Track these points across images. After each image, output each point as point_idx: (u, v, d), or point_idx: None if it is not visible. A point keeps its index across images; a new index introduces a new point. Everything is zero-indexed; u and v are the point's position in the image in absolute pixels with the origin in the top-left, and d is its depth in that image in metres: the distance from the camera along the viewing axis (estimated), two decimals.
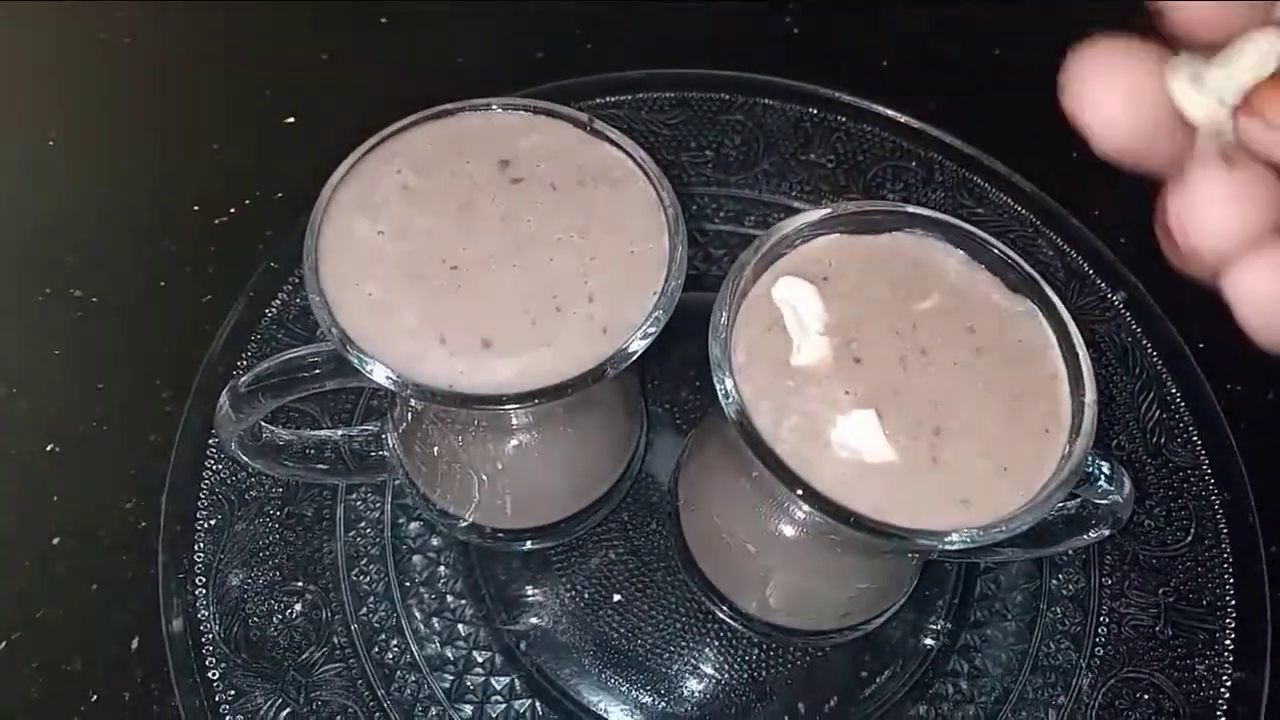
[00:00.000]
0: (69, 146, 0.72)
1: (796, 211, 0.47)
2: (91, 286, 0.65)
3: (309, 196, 0.44)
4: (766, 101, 0.72)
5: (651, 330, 0.41)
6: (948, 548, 0.38)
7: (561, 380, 0.39)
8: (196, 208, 0.68)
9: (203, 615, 0.52)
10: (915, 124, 0.72)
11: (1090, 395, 0.40)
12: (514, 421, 0.45)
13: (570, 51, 0.78)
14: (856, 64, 0.79)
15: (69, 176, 0.71)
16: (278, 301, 0.62)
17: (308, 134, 0.73)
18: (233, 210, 0.68)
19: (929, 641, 0.56)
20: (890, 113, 0.72)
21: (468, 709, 0.52)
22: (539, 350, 0.40)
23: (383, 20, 0.79)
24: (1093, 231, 0.68)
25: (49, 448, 0.60)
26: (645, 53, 0.76)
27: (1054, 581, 0.57)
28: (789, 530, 0.44)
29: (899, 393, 0.41)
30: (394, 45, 0.79)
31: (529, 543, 0.55)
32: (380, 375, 0.39)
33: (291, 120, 0.73)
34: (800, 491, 0.38)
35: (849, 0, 0.84)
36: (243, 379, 0.44)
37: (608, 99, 0.71)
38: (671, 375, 0.63)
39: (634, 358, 0.41)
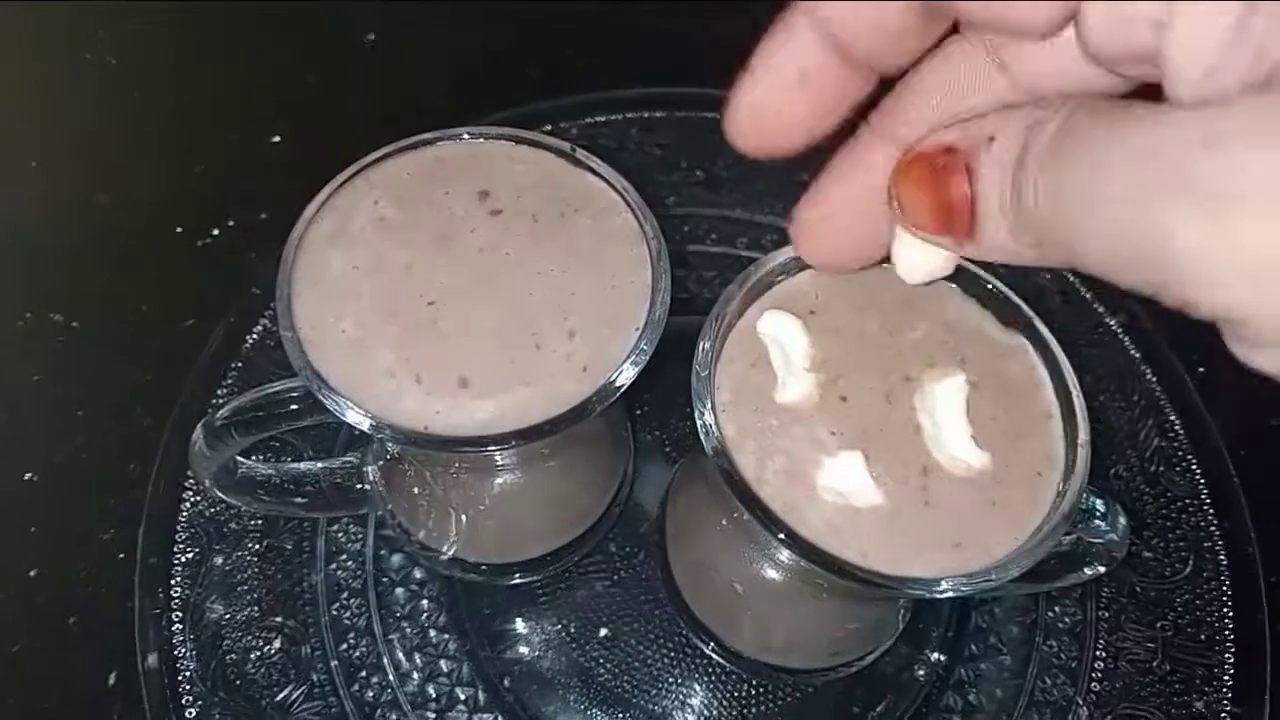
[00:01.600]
0: (50, 168, 0.71)
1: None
2: (72, 310, 0.64)
3: (294, 218, 0.43)
4: None
5: (635, 366, 0.40)
6: (937, 596, 0.37)
7: (541, 420, 0.38)
8: (179, 229, 0.67)
9: (180, 652, 0.51)
10: None
11: (1084, 436, 0.39)
12: (495, 460, 0.44)
13: (562, 70, 0.77)
14: None
15: (49, 199, 0.70)
16: (259, 328, 0.61)
17: (293, 154, 0.72)
18: (215, 232, 0.67)
19: (920, 677, 0.55)
20: None
21: None
22: (518, 389, 0.39)
23: (370, 37, 0.78)
24: None
25: (27, 476, 0.59)
26: (638, 70, 0.75)
27: (1050, 614, 0.56)
28: (775, 573, 0.43)
29: (885, 430, 0.40)
30: (382, 65, 0.78)
31: (515, 577, 0.54)
32: (354, 418, 0.38)
33: (277, 140, 0.72)
34: (784, 537, 0.37)
35: None
36: (218, 414, 0.43)
37: (598, 118, 0.71)
38: (660, 401, 0.62)
39: (617, 395, 0.40)
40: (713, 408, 0.39)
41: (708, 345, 0.40)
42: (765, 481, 0.38)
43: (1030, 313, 0.42)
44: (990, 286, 0.42)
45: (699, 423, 0.39)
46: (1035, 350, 0.42)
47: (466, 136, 0.45)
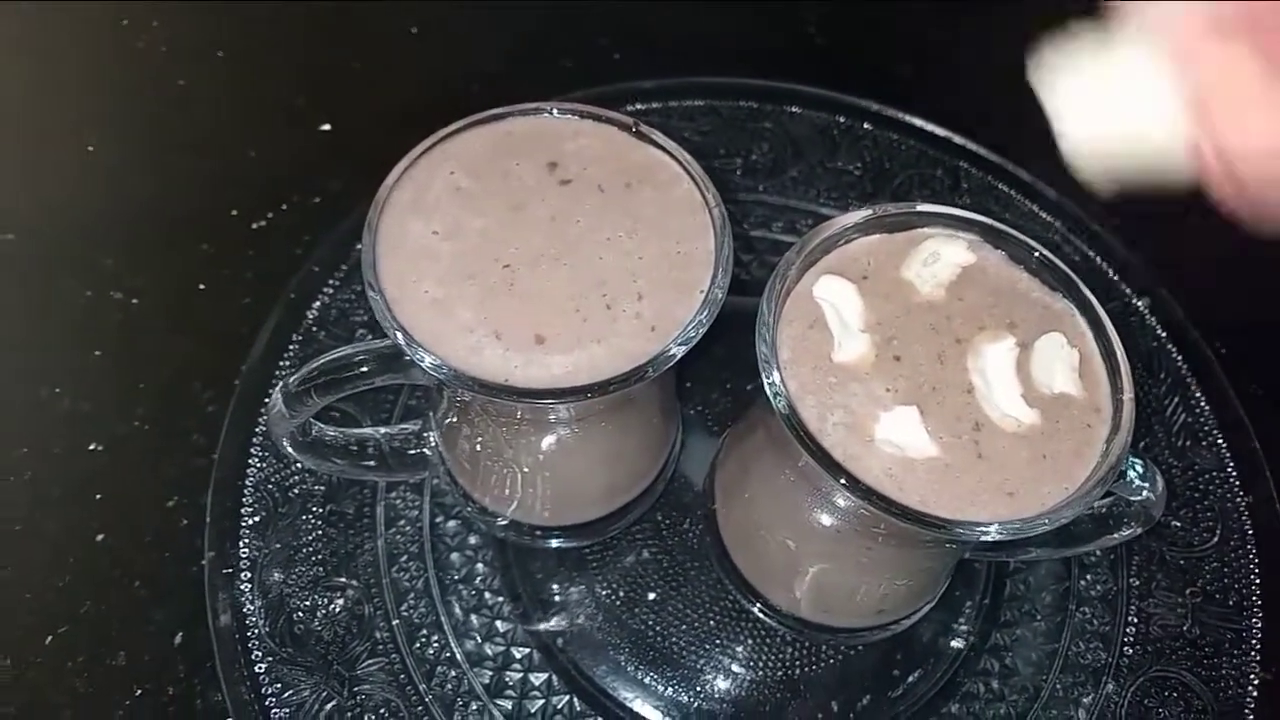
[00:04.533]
0: (109, 155, 0.73)
1: (825, 217, 0.48)
2: (132, 289, 0.66)
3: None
4: (794, 110, 0.74)
5: (699, 327, 0.42)
6: (984, 539, 0.39)
7: (613, 375, 0.40)
8: (234, 213, 0.70)
9: (248, 610, 0.53)
10: (940, 132, 0.73)
11: (1128, 391, 0.41)
12: (560, 417, 0.46)
13: (599, 60, 0.79)
14: (882, 73, 0.80)
15: (109, 183, 0.72)
16: (318, 304, 0.63)
17: (342, 141, 0.74)
18: (270, 215, 0.70)
19: (957, 643, 0.56)
20: (916, 121, 0.73)
21: (507, 704, 0.53)
22: (590, 346, 0.41)
23: (413, 30, 0.81)
24: (1117, 238, 0.69)
25: (92, 447, 0.61)
26: (672, 62, 0.77)
27: (1082, 582, 0.58)
28: (829, 524, 0.45)
29: (938, 389, 0.42)
30: (424, 55, 0.80)
31: (568, 541, 0.56)
32: (439, 371, 0.40)
33: (327, 128, 0.74)
34: (847, 483, 0.39)
35: (874, 10, 0.85)
36: (294, 378, 0.45)
37: (638, 106, 0.73)
38: (703, 378, 0.64)
39: (683, 352, 0.42)
40: (777, 364, 0.41)
41: (769, 308, 0.42)
42: (825, 433, 0.40)
43: (1075, 277, 0.44)
44: (1037, 254, 0.45)
45: (765, 381, 0.41)
46: (1080, 313, 0.44)
47: (537, 111, 0.47)
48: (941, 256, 0.45)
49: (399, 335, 0.40)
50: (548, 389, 0.40)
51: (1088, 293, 0.44)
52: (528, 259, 0.43)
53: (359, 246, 0.42)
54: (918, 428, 0.41)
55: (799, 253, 0.44)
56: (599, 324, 0.42)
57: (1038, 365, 0.43)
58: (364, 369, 0.45)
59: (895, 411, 0.41)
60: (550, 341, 0.41)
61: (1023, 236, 0.45)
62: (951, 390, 0.42)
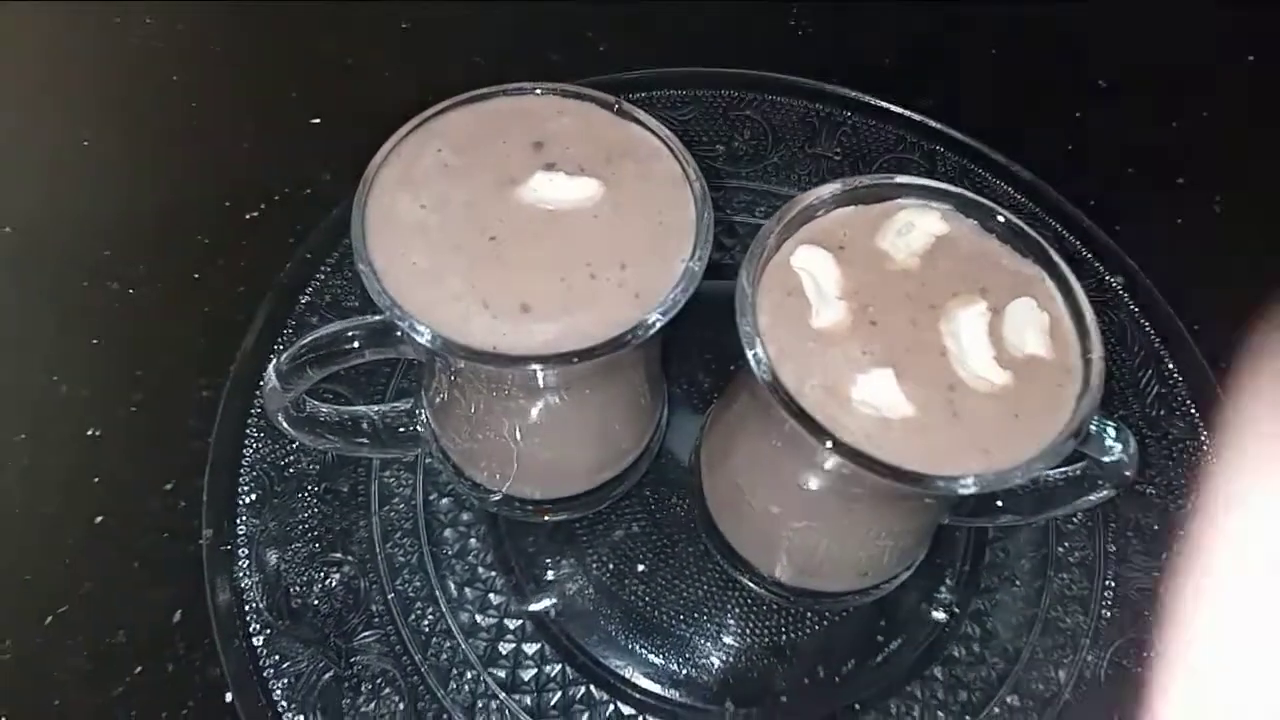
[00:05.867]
0: (103, 147, 0.75)
1: None
2: (127, 279, 0.68)
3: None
4: (775, 98, 0.76)
5: (682, 294, 0.43)
6: (961, 492, 0.40)
7: (598, 341, 0.42)
8: (227, 203, 0.71)
9: (246, 585, 0.54)
10: (917, 118, 0.75)
11: (1098, 351, 0.43)
12: (548, 384, 0.47)
13: (584, 53, 0.81)
14: (861, 62, 0.82)
15: (103, 175, 0.74)
16: (310, 289, 0.64)
17: (332, 134, 0.76)
18: (262, 206, 0.71)
19: (939, 609, 0.58)
20: (894, 107, 0.75)
21: (501, 673, 0.54)
22: (576, 313, 0.42)
23: (404, 25, 0.82)
24: (1091, 219, 0.71)
25: (90, 432, 0.62)
26: (656, 54, 0.79)
27: (1060, 549, 0.60)
28: (811, 487, 0.46)
29: (912, 351, 0.43)
30: (414, 50, 0.82)
31: (559, 514, 0.57)
32: (428, 339, 0.41)
33: (317, 121, 0.76)
34: (830, 444, 0.40)
35: (855, 2, 0.87)
36: (286, 353, 0.47)
37: (622, 96, 0.74)
38: (688, 357, 0.65)
39: (665, 320, 0.43)
40: (757, 330, 0.42)
41: (748, 274, 0.44)
42: (804, 395, 0.42)
43: (1044, 243, 0.45)
44: (1007, 222, 0.46)
45: (745, 347, 0.42)
46: (1050, 278, 0.45)
47: (521, 91, 0.48)
48: (915, 226, 0.47)
49: (389, 305, 0.42)
50: (535, 354, 0.41)
51: (1057, 258, 0.45)
52: (513, 231, 0.44)
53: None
54: (894, 389, 0.42)
55: (778, 222, 0.45)
56: (583, 293, 0.43)
57: (1010, 328, 0.44)
58: (354, 343, 0.46)
59: (872, 374, 0.42)
60: (536, 309, 0.42)
61: (994, 205, 0.46)
62: (926, 353, 0.43)
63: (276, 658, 0.52)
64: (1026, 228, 0.46)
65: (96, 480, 0.61)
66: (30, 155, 0.75)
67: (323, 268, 0.65)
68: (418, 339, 0.41)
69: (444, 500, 0.59)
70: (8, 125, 0.76)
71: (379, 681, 0.53)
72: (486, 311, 0.42)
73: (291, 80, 0.78)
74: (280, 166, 0.73)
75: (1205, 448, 0.62)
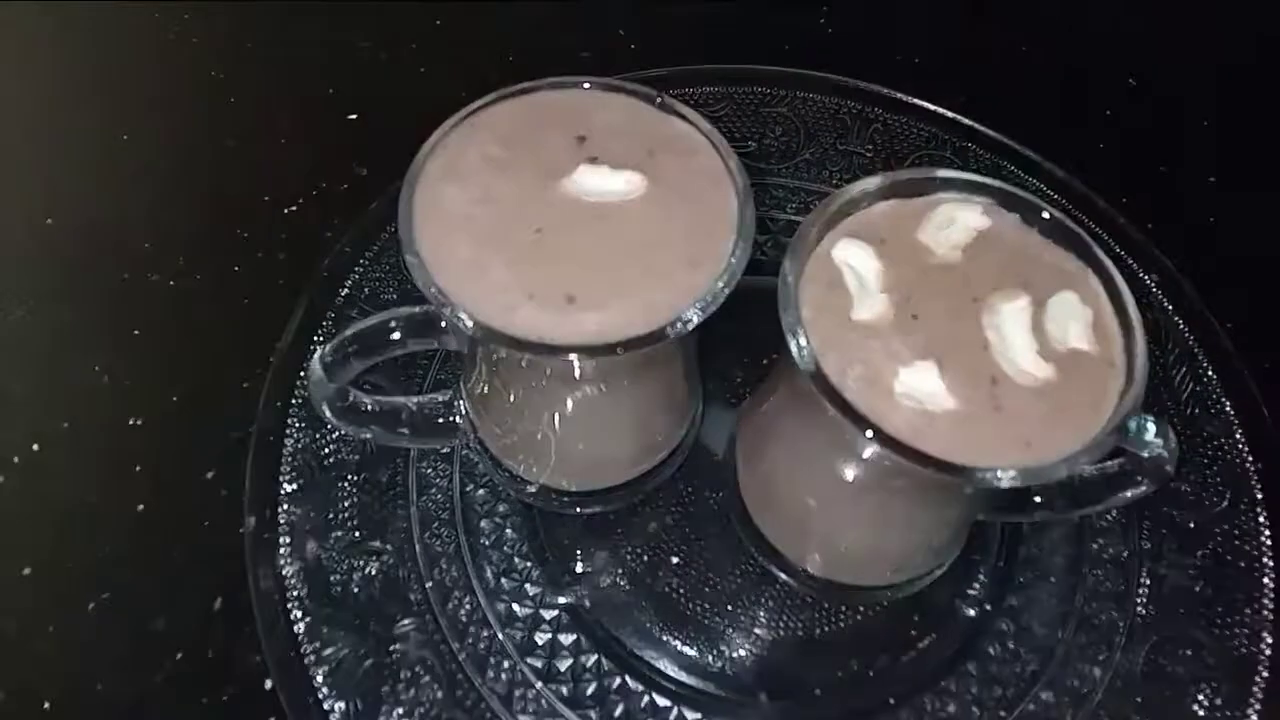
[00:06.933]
0: (142, 142, 0.76)
1: None
2: (169, 271, 0.69)
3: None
4: (806, 95, 0.76)
5: (722, 291, 0.43)
6: (1003, 485, 0.40)
7: (641, 332, 0.42)
8: (266, 198, 0.72)
9: (287, 573, 0.55)
10: (948, 114, 0.75)
11: (1141, 346, 0.43)
12: (588, 376, 0.48)
13: (615, 50, 0.81)
14: (891, 59, 0.82)
15: (143, 170, 0.75)
16: (349, 282, 0.65)
17: (369, 130, 0.76)
18: (301, 200, 0.72)
19: (972, 605, 0.58)
20: (925, 104, 0.75)
21: (537, 662, 0.54)
22: (619, 305, 0.43)
23: (437, 22, 0.83)
24: (1123, 215, 0.71)
25: (131, 421, 0.63)
26: (687, 51, 0.79)
27: (1094, 546, 0.60)
28: (849, 479, 0.47)
29: (955, 345, 0.43)
30: (447, 47, 0.83)
31: (595, 505, 0.58)
32: (474, 329, 0.42)
33: (354, 117, 0.77)
34: (872, 434, 0.40)
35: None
36: (330, 345, 0.47)
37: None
38: (722, 352, 0.66)
39: (704, 315, 0.43)
40: (800, 319, 0.43)
41: (792, 265, 0.44)
42: (846, 387, 0.42)
43: (1088, 239, 0.45)
44: (1050, 217, 0.46)
45: (789, 338, 0.42)
46: (1093, 273, 0.45)
47: (565, 85, 0.49)
48: (957, 220, 0.47)
49: (436, 295, 0.42)
50: (579, 344, 0.42)
51: (1100, 253, 0.45)
52: (557, 223, 0.45)
53: (390, 227, 0.44)
54: (936, 382, 0.42)
55: (819, 215, 0.46)
56: (626, 285, 0.43)
57: (1052, 322, 0.44)
58: (397, 334, 0.47)
59: (914, 366, 0.43)
60: (580, 300, 0.43)
61: (1036, 200, 0.46)
62: (968, 346, 0.44)
63: (317, 645, 0.53)
64: (1069, 223, 0.46)
65: (138, 469, 0.61)
66: (71, 150, 0.76)
67: (361, 261, 0.66)
68: (463, 329, 0.42)
69: (480, 491, 0.60)
70: (48, 121, 0.77)
71: (417, 669, 0.53)
72: (531, 302, 0.43)
73: (328, 77, 0.79)
74: (317, 161, 0.74)
75: (1240, 446, 0.62)
